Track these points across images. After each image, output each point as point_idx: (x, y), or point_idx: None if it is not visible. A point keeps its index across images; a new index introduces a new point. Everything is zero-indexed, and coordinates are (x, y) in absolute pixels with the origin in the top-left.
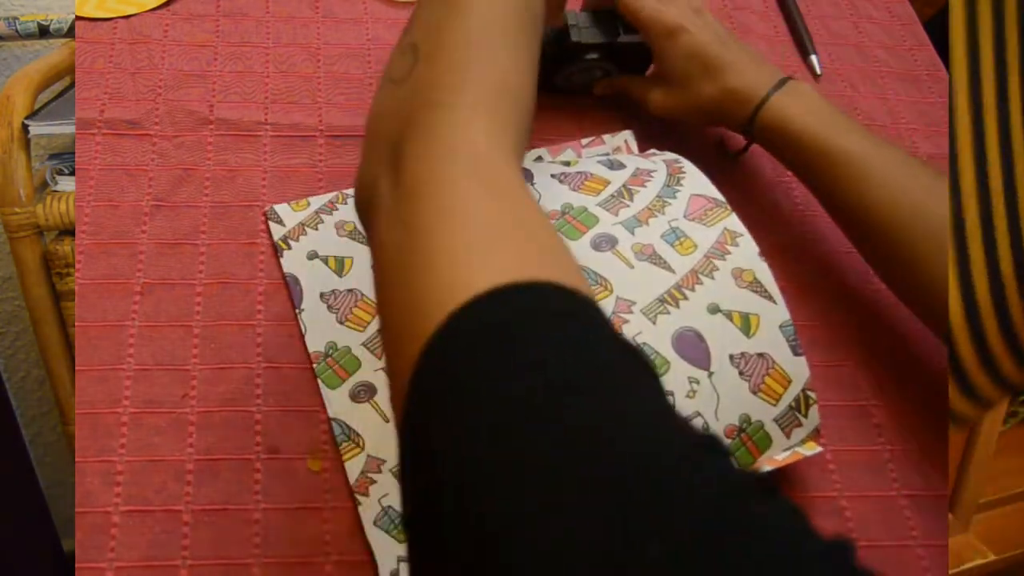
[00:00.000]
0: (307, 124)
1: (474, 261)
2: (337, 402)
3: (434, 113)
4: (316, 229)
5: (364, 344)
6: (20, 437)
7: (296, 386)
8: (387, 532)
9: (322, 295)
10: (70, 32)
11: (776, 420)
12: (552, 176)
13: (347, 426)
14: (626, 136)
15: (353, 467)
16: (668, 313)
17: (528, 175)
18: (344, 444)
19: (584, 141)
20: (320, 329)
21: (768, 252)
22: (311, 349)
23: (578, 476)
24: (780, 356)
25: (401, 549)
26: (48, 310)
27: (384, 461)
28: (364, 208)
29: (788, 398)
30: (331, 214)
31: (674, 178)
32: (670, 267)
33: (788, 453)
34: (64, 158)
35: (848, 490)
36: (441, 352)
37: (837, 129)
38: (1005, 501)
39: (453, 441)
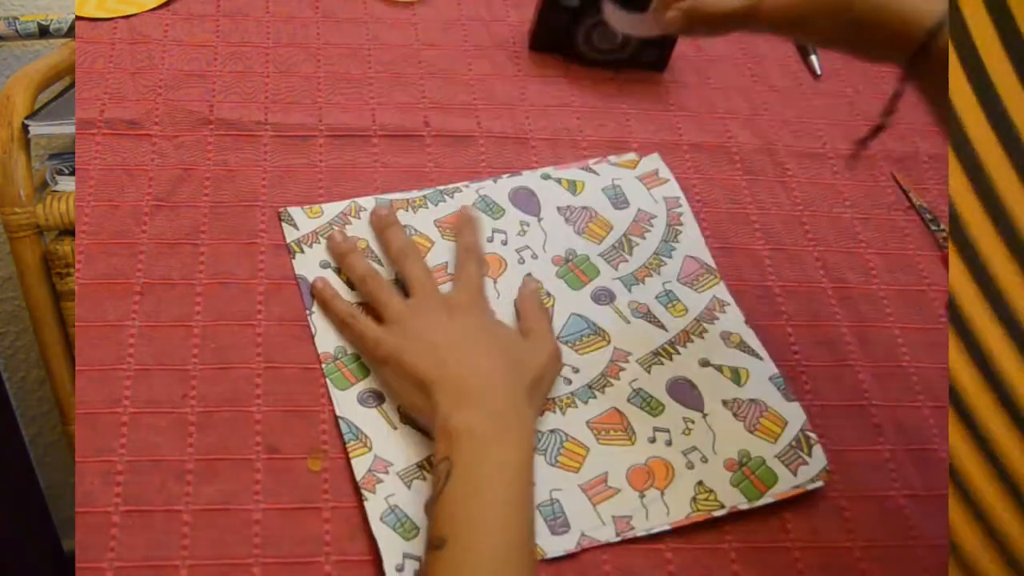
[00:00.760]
0: (307, 124)
1: None
2: (345, 403)
3: None
4: None
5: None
6: (20, 437)
7: (296, 386)
8: (392, 529)
9: (342, 273)
10: (70, 32)
11: (778, 457)
12: (559, 211)
13: (355, 426)
14: (648, 161)
15: (360, 464)
16: (662, 364)
17: (536, 206)
18: (352, 442)
19: (591, 161)
20: (330, 333)
21: (768, 252)
22: (321, 350)
23: None
24: (773, 402)
25: (406, 546)
26: (48, 310)
27: (391, 464)
28: None
29: (787, 438)
30: (344, 228)
31: (672, 230)
32: (663, 326)
33: (796, 489)
34: (64, 158)
35: (848, 490)
36: None
37: None
38: None
39: None
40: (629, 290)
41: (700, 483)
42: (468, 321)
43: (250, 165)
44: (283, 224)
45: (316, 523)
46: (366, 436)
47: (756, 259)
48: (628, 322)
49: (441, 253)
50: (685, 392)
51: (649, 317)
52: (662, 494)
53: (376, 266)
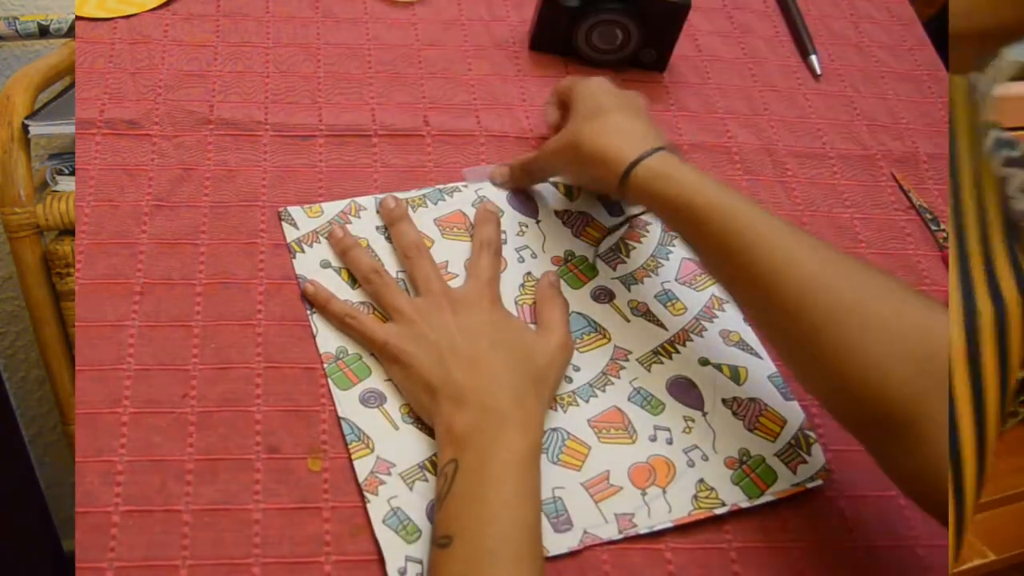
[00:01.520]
0: (307, 124)
1: None
2: (347, 403)
3: None
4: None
5: (374, 355)
6: (20, 437)
7: (296, 386)
8: (395, 531)
9: (346, 275)
10: (70, 32)
11: (778, 455)
12: (556, 214)
13: (357, 427)
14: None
15: (362, 466)
16: (662, 363)
17: (534, 209)
18: (354, 443)
19: None
20: (332, 332)
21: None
22: (322, 350)
23: None
24: (772, 401)
25: (408, 549)
26: (48, 310)
27: (394, 464)
28: None
29: (786, 436)
30: (344, 227)
31: (668, 236)
32: (663, 324)
33: (796, 488)
34: (64, 158)
35: (848, 490)
36: None
37: (723, 190)
38: (1005, 501)
39: None
40: (628, 289)
41: (701, 481)
42: (474, 319)
43: (250, 165)
44: (283, 224)
45: (316, 523)
46: (368, 437)
47: None
48: (628, 320)
49: (442, 252)
50: (685, 391)
51: (649, 316)
52: (664, 492)
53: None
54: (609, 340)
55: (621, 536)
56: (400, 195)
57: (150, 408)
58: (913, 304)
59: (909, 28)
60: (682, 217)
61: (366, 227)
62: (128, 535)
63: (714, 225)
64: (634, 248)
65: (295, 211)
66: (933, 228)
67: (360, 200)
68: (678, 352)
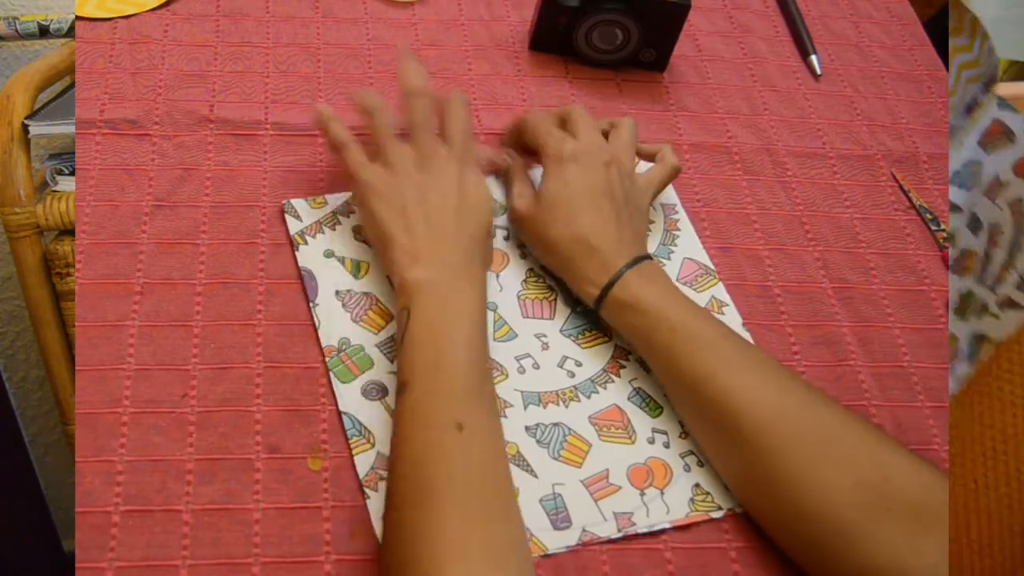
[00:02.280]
0: (307, 124)
1: None
2: (349, 396)
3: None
4: (334, 229)
5: (377, 346)
6: (20, 437)
7: (296, 386)
8: None
9: (337, 292)
10: (70, 32)
11: None
12: None
13: (358, 421)
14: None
15: (363, 462)
16: None
17: None
18: (355, 438)
19: None
20: (334, 324)
21: (768, 252)
22: (324, 343)
23: None
24: None
25: None
26: (48, 310)
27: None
28: None
29: None
30: (348, 217)
31: (670, 235)
32: None
33: None
34: (64, 158)
35: None
36: None
37: (695, 312)
38: None
39: None
40: None
41: (697, 485)
42: (443, 178)
43: (250, 165)
44: (286, 216)
45: (316, 522)
46: (369, 431)
47: (756, 259)
48: None
49: None
50: None
51: None
52: (662, 493)
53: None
54: (610, 339)
55: (620, 534)
56: None
57: (150, 408)
58: (872, 437)
59: (909, 28)
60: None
61: None
62: (128, 535)
63: (681, 359)
64: None
65: (298, 203)
66: (933, 228)
67: None
68: None
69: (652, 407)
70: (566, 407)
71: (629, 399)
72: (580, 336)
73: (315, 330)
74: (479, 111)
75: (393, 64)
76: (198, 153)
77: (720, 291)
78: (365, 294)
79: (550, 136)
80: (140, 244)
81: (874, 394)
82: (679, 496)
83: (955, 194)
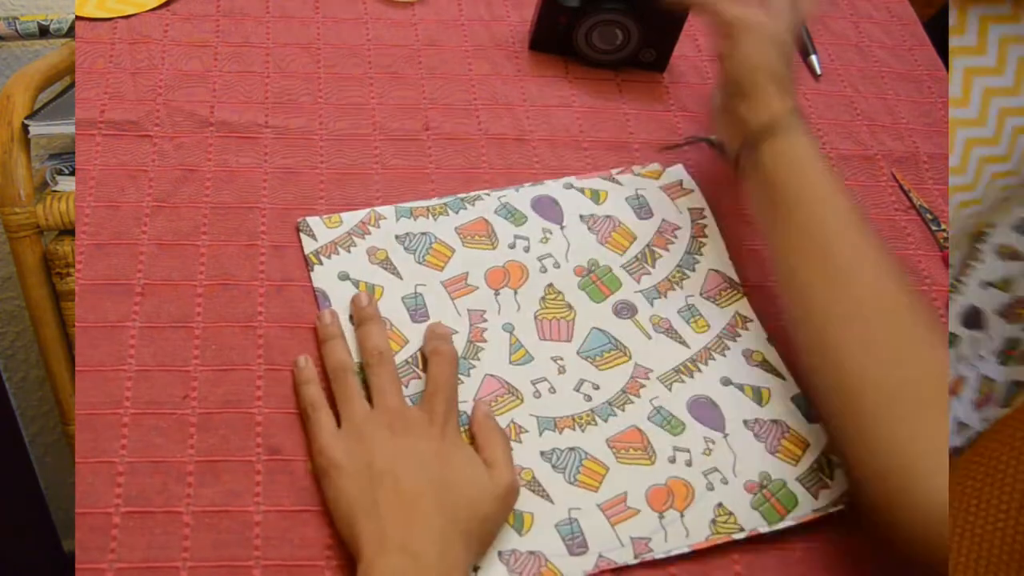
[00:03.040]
0: (307, 124)
1: None
2: None
3: None
4: (348, 251)
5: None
6: (20, 437)
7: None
8: None
9: (351, 317)
10: (70, 32)
11: (799, 480)
12: (581, 219)
13: None
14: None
15: None
16: (683, 382)
17: (559, 214)
18: None
19: (615, 171)
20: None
21: (769, 252)
22: None
23: None
24: (795, 423)
25: None
26: (48, 310)
27: None
28: None
29: (809, 459)
30: (363, 238)
31: (696, 242)
32: (685, 342)
33: (817, 514)
34: (64, 158)
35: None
36: None
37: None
38: None
39: None
40: (651, 304)
41: (720, 505)
42: (420, 446)
43: (250, 166)
44: (301, 235)
45: (317, 525)
46: None
47: (757, 259)
48: (650, 338)
49: (462, 262)
50: (706, 411)
51: (671, 333)
52: (681, 516)
53: (394, 279)
54: (630, 358)
55: (636, 560)
56: (421, 203)
57: (151, 409)
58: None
59: (909, 28)
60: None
61: (386, 237)
62: (128, 536)
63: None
64: (660, 257)
65: (313, 221)
66: (933, 228)
67: (380, 209)
68: (699, 371)
69: (674, 425)
70: (582, 431)
71: (649, 418)
72: (599, 357)
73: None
74: (479, 111)
75: (393, 64)
76: (198, 154)
77: (744, 306)
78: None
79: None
80: (140, 245)
81: None
82: (700, 518)
83: (1020, 241)
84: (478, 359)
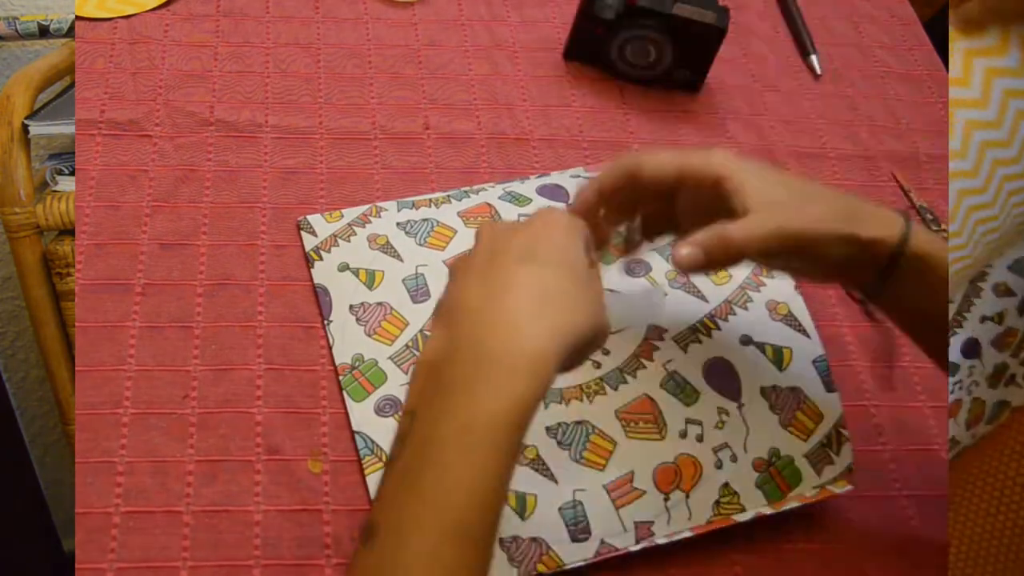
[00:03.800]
0: (307, 124)
1: None
2: (361, 415)
3: None
4: (348, 241)
5: (391, 358)
6: (20, 437)
7: (297, 388)
8: None
9: (351, 307)
10: (70, 32)
11: (807, 456)
12: None
13: (370, 439)
14: None
15: (375, 480)
16: (700, 342)
17: (564, 194)
18: (367, 458)
19: None
20: (348, 341)
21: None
22: (338, 361)
23: None
24: (812, 391)
25: None
26: (48, 310)
27: None
28: None
29: (819, 435)
30: (364, 227)
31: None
32: (704, 296)
33: (817, 491)
34: (64, 158)
35: (849, 490)
36: None
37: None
38: None
39: None
40: (666, 259)
41: (726, 485)
42: (551, 239)
43: (250, 166)
44: (302, 232)
45: (316, 525)
46: (381, 449)
47: None
48: (665, 294)
49: (464, 242)
50: (722, 377)
51: (689, 287)
52: (687, 497)
53: (394, 262)
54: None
55: (638, 547)
56: (425, 196)
57: (151, 409)
58: None
59: (909, 28)
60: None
61: (387, 225)
62: (128, 536)
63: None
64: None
65: (314, 219)
66: (934, 228)
67: (382, 204)
68: (718, 329)
69: (688, 393)
70: (590, 402)
71: (662, 386)
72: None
73: (329, 348)
74: (479, 111)
75: (393, 64)
76: (198, 154)
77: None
78: (379, 304)
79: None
80: (140, 244)
81: (874, 394)
82: (704, 499)
83: (1013, 281)
84: None
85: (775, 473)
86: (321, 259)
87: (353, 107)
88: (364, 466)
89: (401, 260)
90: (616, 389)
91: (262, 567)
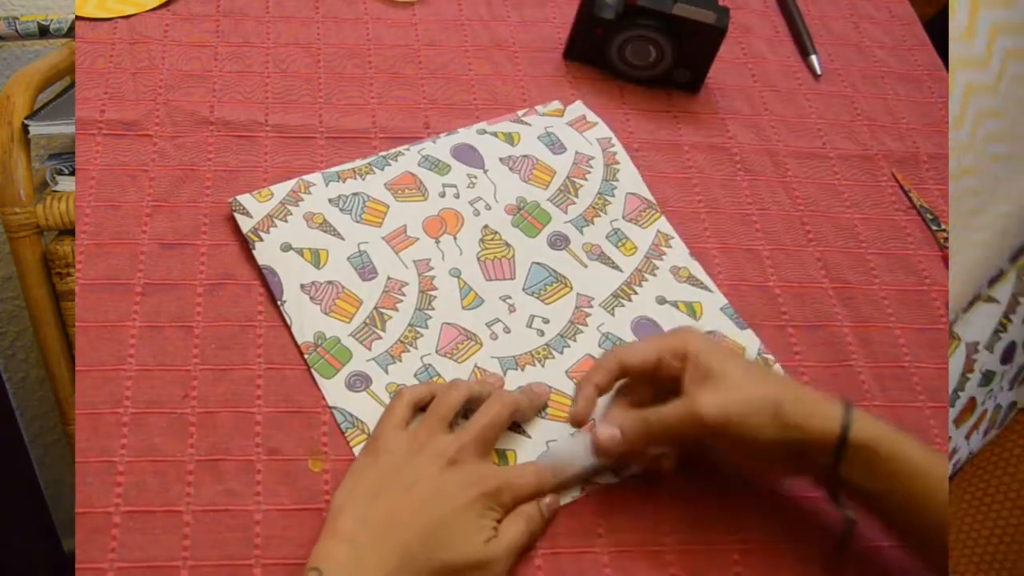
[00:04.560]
0: (307, 124)
1: None
2: (335, 391)
3: None
4: (285, 221)
5: (352, 335)
6: (20, 437)
7: (296, 387)
8: None
9: (303, 286)
10: (70, 32)
11: None
12: (501, 162)
13: (349, 413)
14: (571, 107)
15: (361, 448)
16: (623, 306)
17: (479, 159)
18: (349, 430)
19: (520, 113)
20: (306, 320)
21: (768, 252)
22: (300, 340)
23: None
24: (728, 331)
25: None
26: (48, 310)
27: None
28: None
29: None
30: (297, 205)
31: (610, 169)
32: (617, 266)
33: None
34: (64, 158)
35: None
36: None
37: (915, 447)
38: None
39: None
40: (581, 232)
41: None
42: (425, 470)
43: (250, 165)
44: (236, 215)
45: (317, 524)
46: (361, 422)
47: (756, 259)
48: (585, 266)
49: (398, 217)
50: (649, 330)
51: (604, 259)
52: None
53: (336, 240)
54: (571, 289)
55: (616, 480)
56: (347, 166)
57: (151, 408)
58: None
59: (909, 28)
60: (906, 492)
61: (320, 202)
62: (128, 535)
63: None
64: (581, 186)
65: (245, 199)
66: (934, 228)
67: (308, 177)
68: (636, 293)
69: None
70: (543, 366)
71: (600, 345)
72: (543, 291)
73: (288, 329)
74: (479, 111)
75: (393, 64)
76: (198, 154)
77: (664, 224)
78: (329, 283)
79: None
80: (140, 244)
81: (874, 394)
82: None
83: None
84: (432, 308)
85: None
86: (261, 240)
87: (353, 107)
88: (348, 438)
89: (342, 238)
90: (562, 353)
91: (263, 566)
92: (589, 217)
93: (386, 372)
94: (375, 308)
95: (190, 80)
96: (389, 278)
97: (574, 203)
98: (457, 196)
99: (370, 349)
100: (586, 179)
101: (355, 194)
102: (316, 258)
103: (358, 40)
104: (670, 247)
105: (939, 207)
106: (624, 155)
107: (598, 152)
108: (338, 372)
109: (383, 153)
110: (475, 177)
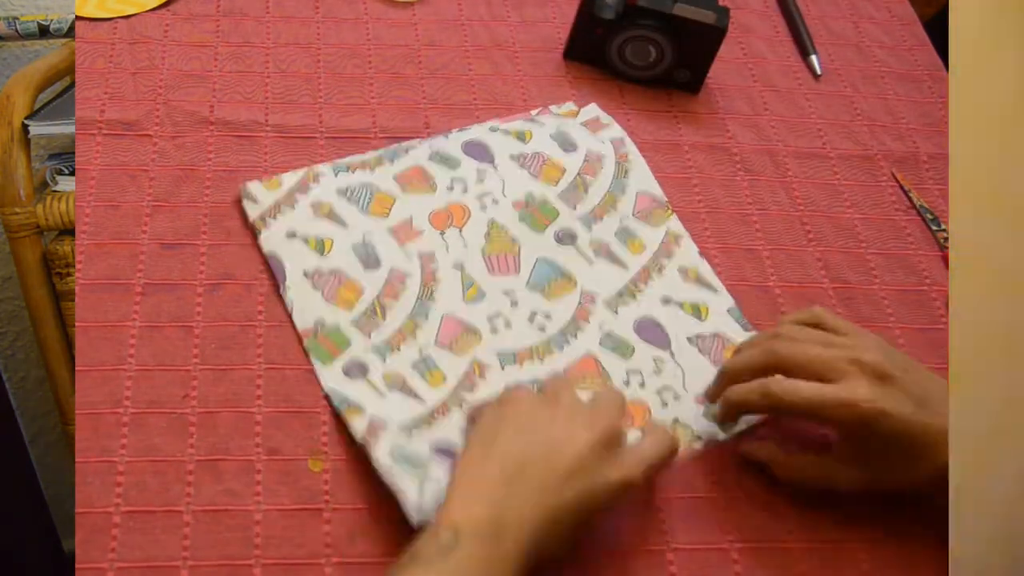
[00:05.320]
0: (307, 124)
1: None
2: (331, 377)
3: None
4: (292, 208)
5: (353, 323)
6: (20, 437)
7: (297, 387)
8: (402, 464)
9: (305, 273)
10: (70, 32)
11: None
12: (512, 158)
13: (344, 395)
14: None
15: (358, 424)
16: (627, 304)
17: (490, 155)
18: (346, 409)
19: (534, 112)
20: (307, 307)
21: (768, 252)
22: (300, 326)
23: None
24: (733, 333)
25: (420, 473)
26: (48, 310)
27: (386, 421)
28: None
29: None
30: (305, 194)
31: (621, 167)
32: (624, 264)
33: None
34: (64, 158)
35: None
36: None
37: None
38: None
39: None
40: (589, 229)
41: (676, 419)
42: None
43: (250, 165)
44: (244, 201)
45: (317, 524)
46: (357, 404)
47: (756, 259)
48: (591, 263)
49: (404, 208)
50: (651, 331)
51: (610, 256)
52: (643, 432)
53: (341, 229)
54: (576, 285)
55: None
56: (357, 158)
57: (151, 408)
58: None
59: (909, 28)
60: None
61: (328, 192)
62: (128, 535)
63: None
64: (591, 184)
65: (254, 187)
66: (934, 228)
67: (317, 167)
68: (641, 292)
69: (624, 348)
70: (541, 362)
71: (601, 344)
72: (547, 287)
73: (289, 316)
74: (479, 111)
75: (393, 64)
76: (198, 153)
77: (675, 223)
78: (332, 272)
79: (822, 394)
80: (140, 244)
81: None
82: None
83: None
84: (433, 299)
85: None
86: (267, 227)
87: (353, 107)
88: (344, 415)
89: (347, 227)
90: (561, 350)
91: (263, 566)
92: (598, 214)
93: (384, 361)
94: (377, 298)
95: (190, 80)
96: (392, 269)
97: (583, 200)
98: (465, 190)
99: (369, 337)
100: (597, 176)
101: (363, 185)
102: (320, 246)
103: (358, 40)
104: (679, 246)
105: (939, 207)
106: (637, 154)
107: (610, 151)
108: (336, 359)
109: (393, 147)
110: (484, 172)
